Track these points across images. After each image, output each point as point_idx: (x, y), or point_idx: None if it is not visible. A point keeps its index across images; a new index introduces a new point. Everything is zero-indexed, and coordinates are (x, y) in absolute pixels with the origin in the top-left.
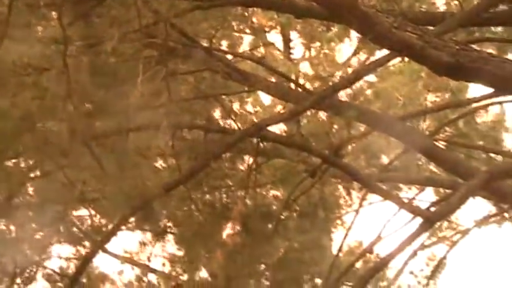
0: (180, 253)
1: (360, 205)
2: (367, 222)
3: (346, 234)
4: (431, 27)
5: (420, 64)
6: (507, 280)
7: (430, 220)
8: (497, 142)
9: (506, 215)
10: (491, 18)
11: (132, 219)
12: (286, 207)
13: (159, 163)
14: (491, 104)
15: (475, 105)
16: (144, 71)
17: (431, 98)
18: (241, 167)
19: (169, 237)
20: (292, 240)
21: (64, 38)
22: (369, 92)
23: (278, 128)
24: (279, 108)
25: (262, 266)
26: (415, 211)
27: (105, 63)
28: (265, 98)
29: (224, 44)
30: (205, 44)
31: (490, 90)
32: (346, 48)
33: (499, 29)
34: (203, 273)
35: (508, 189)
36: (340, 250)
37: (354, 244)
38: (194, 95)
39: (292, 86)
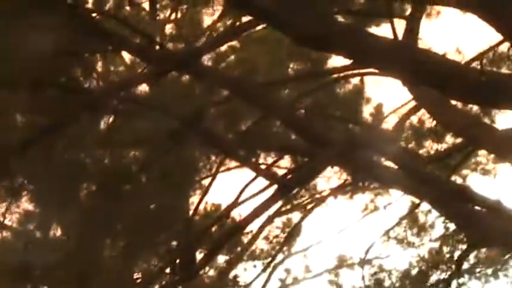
0: (35, 210)
1: (217, 170)
2: (225, 187)
3: (201, 199)
4: None
5: (282, 33)
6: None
7: (286, 187)
8: (356, 113)
9: (360, 184)
10: None
11: None
12: (145, 169)
13: (16, 120)
14: (351, 75)
15: (335, 75)
16: (1, 24)
17: (293, 67)
18: (101, 127)
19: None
20: (149, 202)
21: None
22: (231, 57)
23: (140, 89)
24: (142, 69)
25: (119, 227)
26: (272, 178)
27: None
28: (129, 58)
29: (89, 1)
30: (69, 0)
31: (350, 61)
32: (212, 12)
33: (362, 1)
34: (57, 232)
35: (363, 159)
36: (194, 214)
37: (211, 208)
38: (55, 51)
39: (156, 47)
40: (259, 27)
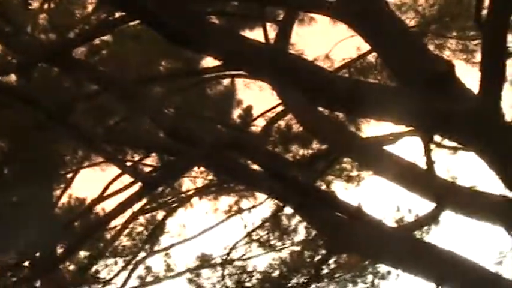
0: None
1: (82, 164)
2: (91, 182)
3: (64, 192)
4: None
5: (154, 31)
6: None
7: (151, 185)
8: (225, 114)
9: (225, 186)
10: None
11: None
12: (8, 160)
13: None
14: (223, 76)
15: (206, 75)
16: None
17: (165, 65)
18: None
19: None
20: (11, 194)
21: None
22: (103, 52)
23: (7, 79)
24: (11, 58)
25: None
26: (137, 175)
27: None
28: None
29: None
30: None
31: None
32: (85, 5)
33: (236, 3)
34: None
35: (229, 161)
36: (56, 207)
37: (75, 202)
38: None
39: (27, 37)
40: (133, 23)
